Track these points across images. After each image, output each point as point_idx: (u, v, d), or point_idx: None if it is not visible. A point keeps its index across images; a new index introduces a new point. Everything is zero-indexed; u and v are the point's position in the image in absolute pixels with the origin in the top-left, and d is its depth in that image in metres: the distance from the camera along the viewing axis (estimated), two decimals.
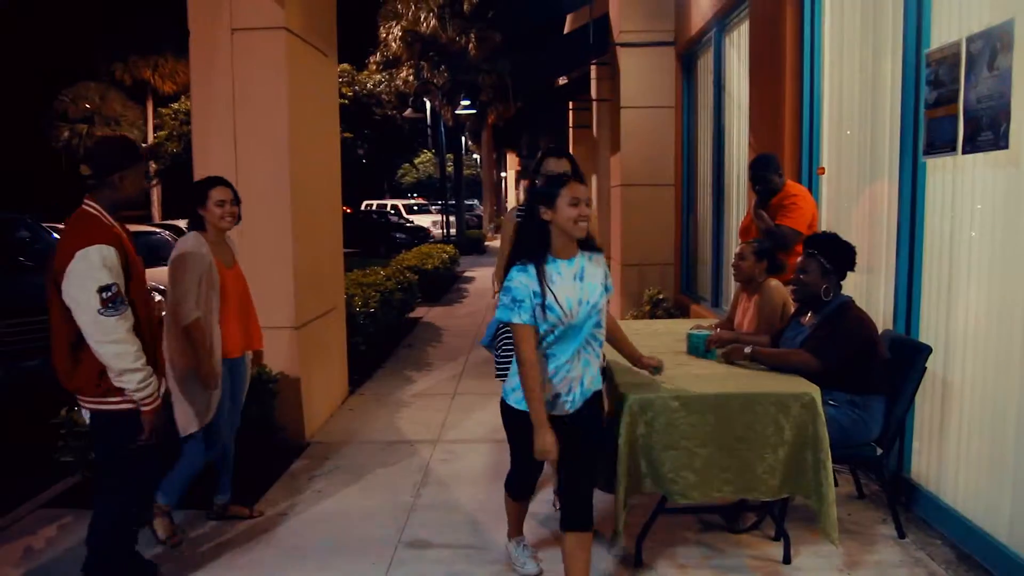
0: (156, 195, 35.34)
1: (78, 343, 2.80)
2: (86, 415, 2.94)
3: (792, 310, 3.90)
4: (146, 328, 2.94)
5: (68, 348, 2.83)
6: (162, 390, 2.98)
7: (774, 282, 3.99)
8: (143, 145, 26.66)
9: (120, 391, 2.82)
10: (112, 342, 2.72)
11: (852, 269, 3.54)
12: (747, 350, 3.53)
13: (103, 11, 33.31)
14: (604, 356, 3.27)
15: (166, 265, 3.59)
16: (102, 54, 35.60)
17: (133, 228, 10.62)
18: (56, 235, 7.67)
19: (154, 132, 30.98)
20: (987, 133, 3.14)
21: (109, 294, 2.70)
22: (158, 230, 10.44)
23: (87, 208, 2.88)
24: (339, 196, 6.21)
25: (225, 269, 3.73)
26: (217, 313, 3.62)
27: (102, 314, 2.70)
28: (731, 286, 7.57)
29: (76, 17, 34.35)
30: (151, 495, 3.44)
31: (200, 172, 4.95)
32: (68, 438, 3.97)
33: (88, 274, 2.70)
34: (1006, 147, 3.05)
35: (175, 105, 15.83)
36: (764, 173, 4.57)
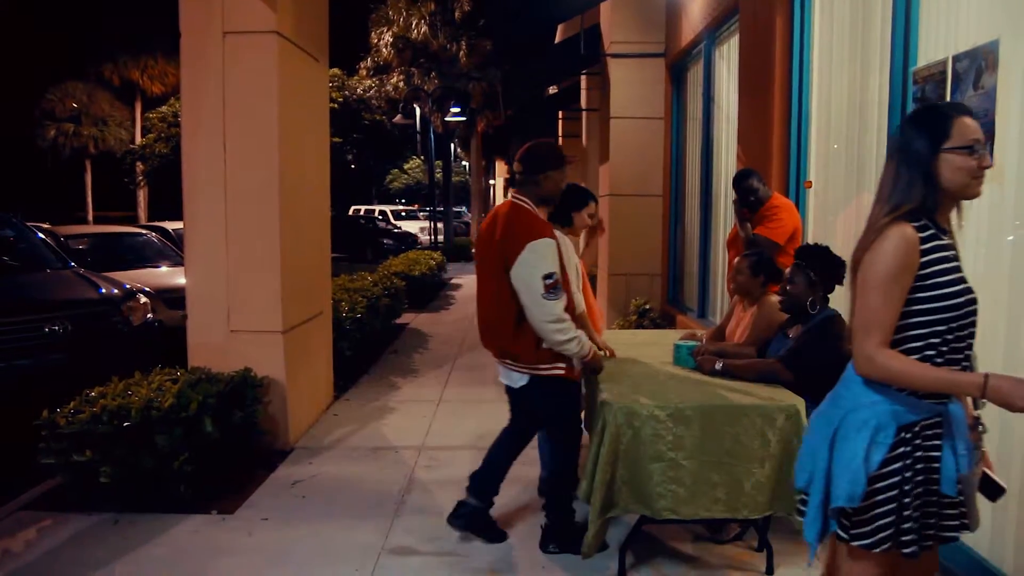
0: (143, 197, 35.18)
1: (520, 318, 3.30)
2: (521, 379, 3.43)
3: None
4: (569, 307, 3.40)
5: (513, 321, 3.33)
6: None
7: (773, 298, 4.00)
8: (132, 145, 26.50)
9: (550, 359, 3.33)
10: (551, 321, 3.20)
11: (840, 283, 3.55)
12: (717, 366, 3.54)
13: (92, 11, 33.16)
14: None
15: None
16: (90, 54, 35.45)
17: (116, 229, 10.56)
18: (41, 235, 7.60)
19: (142, 134, 30.80)
20: None
21: (551, 281, 3.18)
22: (144, 232, 10.34)
23: (518, 202, 3.41)
24: (328, 201, 6.20)
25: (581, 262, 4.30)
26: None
27: (544, 297, 3.17)
28: (718, 297, 7.60)
29: (64, 16, 34.19)
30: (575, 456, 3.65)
31: (189, 175, 4.94)
32: (50, 440, 3.93)
33: (537, 263, 3.18)
34: (990, 165, 3.08)
35: (163, 108, 15.76)
36: (741, 184, 4.63)
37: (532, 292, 3.19)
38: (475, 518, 3.64)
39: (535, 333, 3.28)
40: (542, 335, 3.26)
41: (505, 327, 3.37)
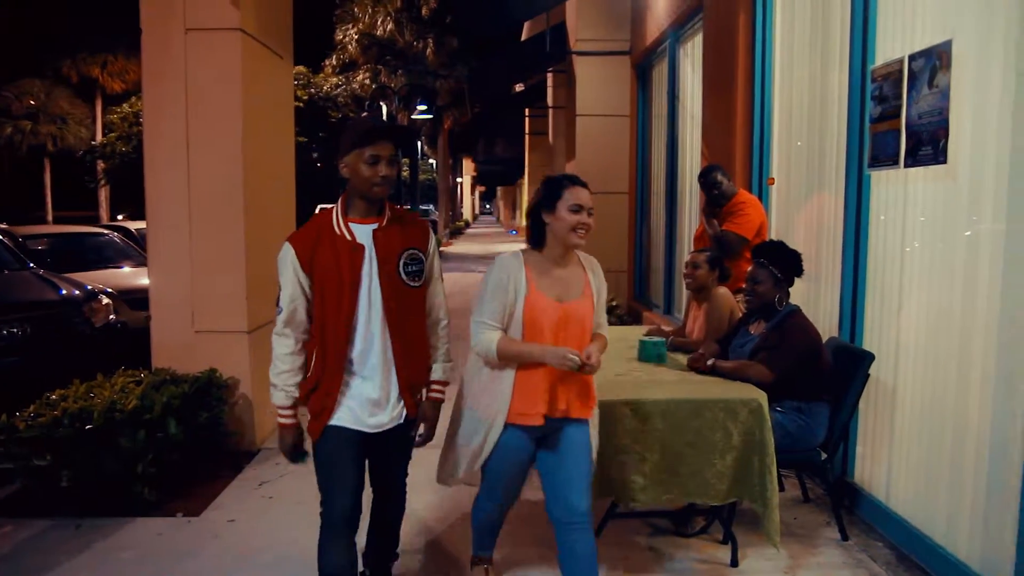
0: (104, 196, 34.56)
1: None
2: None
3: (739, 317, 3.97)
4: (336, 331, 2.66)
5: None
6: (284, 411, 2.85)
7: (722, 290, 4.06)
8: (93, 143, 25.98)
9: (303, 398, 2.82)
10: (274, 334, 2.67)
11: (800, 275, 3.62)
12: (709, 363, 3.54)
13: (50, 7, 32.49)
14: None
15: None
16: (48, 50, 34.74)
17: (77, 229, 10.33)
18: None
19: (103, 133, 30.26)
20: (927, 148, 3.25)
21: (278, 293, 2.63)
22: (105, 231, 10.16)
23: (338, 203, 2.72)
24: (293, 199, 6.15)
25: None
26: None
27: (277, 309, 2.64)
28: (683, 293, 7.68)
29: (21, 12, 33.44)
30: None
31: (151, 174, 4.88)
32: (8, 444, 3.85)
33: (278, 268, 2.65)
34: (944, 162, 3.16)
35: (125, 106, 15.50)
36: (706, 177, 4.72)
37: None
38: None
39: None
40: None
41: None
